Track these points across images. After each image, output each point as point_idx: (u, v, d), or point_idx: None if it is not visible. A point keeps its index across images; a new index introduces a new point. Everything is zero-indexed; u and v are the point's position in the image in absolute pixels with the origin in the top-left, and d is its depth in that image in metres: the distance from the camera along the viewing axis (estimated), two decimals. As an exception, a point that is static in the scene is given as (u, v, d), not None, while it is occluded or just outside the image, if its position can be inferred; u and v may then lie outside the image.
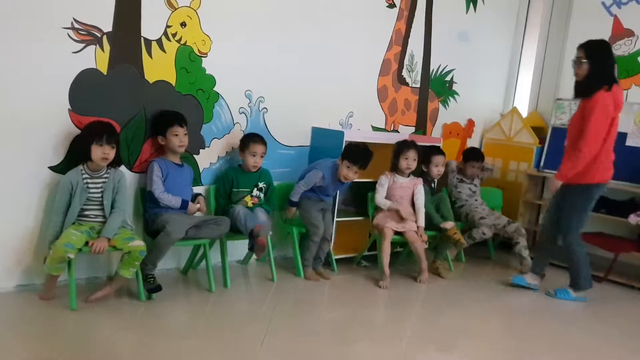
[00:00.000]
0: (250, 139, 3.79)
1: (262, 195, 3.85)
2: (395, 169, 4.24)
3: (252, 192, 3.80)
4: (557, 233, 4.03)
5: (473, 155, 4.96)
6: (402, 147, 4.20)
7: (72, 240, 2.93)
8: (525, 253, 4.66)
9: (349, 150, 3.92)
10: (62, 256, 2.90)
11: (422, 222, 4.19)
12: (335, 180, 3.96)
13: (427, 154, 4.55)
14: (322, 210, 3.99)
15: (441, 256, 4.44)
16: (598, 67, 3.67)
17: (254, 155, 3.77)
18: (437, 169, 4.52)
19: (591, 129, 3.63)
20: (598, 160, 3.75)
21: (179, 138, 3.45)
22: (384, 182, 4.19)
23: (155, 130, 3.49)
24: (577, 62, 3.75)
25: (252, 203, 3.80)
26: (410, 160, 4.17)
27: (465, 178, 4.90)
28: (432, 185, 4.63)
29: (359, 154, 3.88)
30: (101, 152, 3.07)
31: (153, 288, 3.23)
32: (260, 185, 3.84)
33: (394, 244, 4.16)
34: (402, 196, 4.21)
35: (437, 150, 4.59)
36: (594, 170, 3.76)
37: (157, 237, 3.24)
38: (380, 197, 4.17)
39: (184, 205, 3.43)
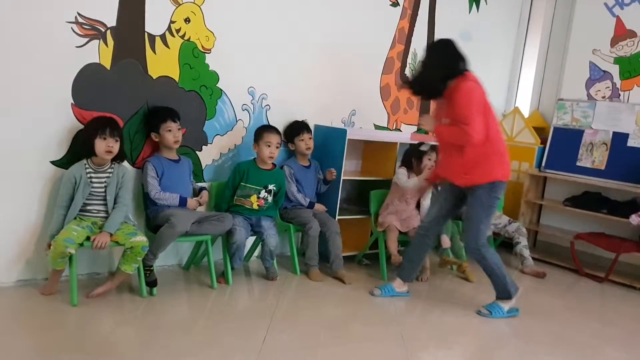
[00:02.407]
0: (264, 129, 3.77)
1: (269, 198, 3.76)
2: (410, 166, 4.18)
3: (259, 192, 3.74)
4: (438, 232, 3.75)
5: None
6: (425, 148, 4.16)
7: (73, 235, 2.92)
8: (527, 253, 4.66)
9: (290, 129, 4.09)
10: (62, 251, 2.89)
11: None
12: (301, 166, 4.06)
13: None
14: (312, 214, 3.97)
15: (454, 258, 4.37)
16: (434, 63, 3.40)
17: (269, 146, 3.71)
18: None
19: (467, 110, 3.26)
20: (505, 155, 3.44)
21: (172, 133, 3.41)
22: (405, 173, 4.12)
23: (148, 127, 3.46)
24: None
25: (258, 205, 3.72)
26: (432, 161, 4.12)
27: None
28: (437, 188, 4.59)
29: (295, 125, 4.10)
30: (105, 145, 3.06)
31: (149, 282, 3.22)
32: (270, 187, 3.75)
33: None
34: (412, 194, 4.18)
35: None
36: (500, 165, 3.40)
37: (161, 229, 3.22)
38: (404, 179, 4.07)
39: (182, 202, 3.41)
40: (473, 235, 3.42)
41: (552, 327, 3.49)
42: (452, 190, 3.56)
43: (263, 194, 3.73)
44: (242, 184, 3.71)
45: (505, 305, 3.54)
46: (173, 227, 3.18)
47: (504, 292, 3.53)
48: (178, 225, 3.18)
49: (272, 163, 3.81)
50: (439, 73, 3.34)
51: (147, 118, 3.46)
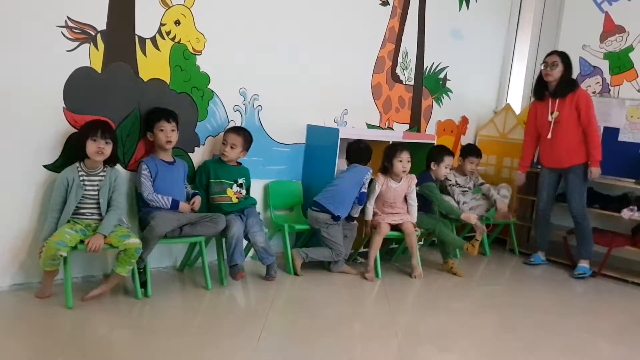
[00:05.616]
0: (228, 128, 3.80)
1: (243, 192, 3.81)
2: (386, 172, 4.20)
3: (232, 186, 3.75)
4: (551, 211, 4.81)
5: (472, 151, 5.02)
6: (395, 149, 4.14)
7: (65, 238, 2.92)
8: (494, 193, 4.81)
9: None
10: (54, 254, 2.89)
11: (414, 217, 4.22)
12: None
13: (440, 153, 4.52)
14: (344, 234, 4.04)
15: (449, 255, 4.42)
16: (569, 71, 4.54)
17: (224, 144, 3.73)
18: (446, 170, 4.51)
19: (593, 117, 4.47)
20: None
21: (164, 133, 3.41)
22: (377, 189, 4.15)
23: (145, 127, 3.48)
24: (552, 66, 4.49)
25: (237, 198, 3.75)
26: (404, 162, 4.13)
27: (459, 180, 4.90)
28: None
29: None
30: (96, 147, 3.07)
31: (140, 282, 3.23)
32: (240, 181, 3.79)
33: (389, 240, 4.18)
34: (395, 198, 4.21)
35: (450, 152, 4.59)
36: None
37: (143, 232, 3.25)
38: (369, 206, 4.15)
39: (174, 205, 3.41)
40: (579, 202, 4.52)
41: (546, 321, 3.52)
42: (550, 175, 4.70)
43: (235, 188, 3.75)
44: (211, 181, 3.72)
45: (586, 264, 4.55)
46: (152, 230, 3.20)
47: (587, 253, 4.57)
48: (157, 227, 3.20)
49: (237, 161, 3.83)
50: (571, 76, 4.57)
51: (144, 118, 3.48)
